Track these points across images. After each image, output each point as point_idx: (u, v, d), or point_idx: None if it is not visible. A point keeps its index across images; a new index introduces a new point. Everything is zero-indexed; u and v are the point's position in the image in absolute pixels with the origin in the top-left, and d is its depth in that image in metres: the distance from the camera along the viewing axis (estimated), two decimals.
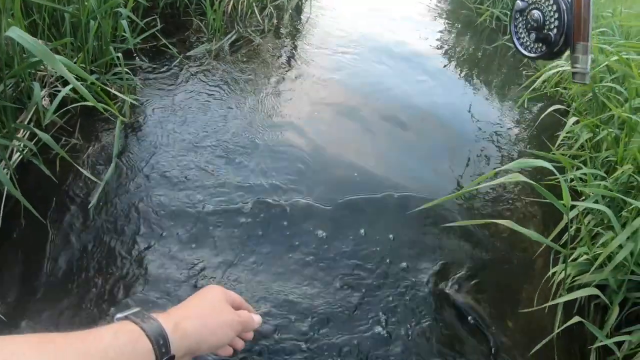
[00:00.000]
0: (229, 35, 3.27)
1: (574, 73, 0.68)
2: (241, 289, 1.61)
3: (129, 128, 2.29)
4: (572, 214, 1.82)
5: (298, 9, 4.24)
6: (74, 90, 1.98)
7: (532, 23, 0.70)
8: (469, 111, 3.32)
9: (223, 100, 2.65)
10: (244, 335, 1.04)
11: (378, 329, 1.59)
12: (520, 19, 0.75)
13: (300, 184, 2.14)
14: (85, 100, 1.66)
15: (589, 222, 1.96)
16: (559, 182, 1.51)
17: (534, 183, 1.45)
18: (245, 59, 3.14)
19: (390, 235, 1.97)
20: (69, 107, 2.12)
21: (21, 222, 1.67)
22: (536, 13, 0.69)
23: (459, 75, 4.15)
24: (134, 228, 1.76)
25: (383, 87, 3.25)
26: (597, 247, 1.83)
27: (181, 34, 3.25)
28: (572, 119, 2.15)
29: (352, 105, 2.92)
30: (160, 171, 2.05)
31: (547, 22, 0.68)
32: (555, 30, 0.67)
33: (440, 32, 5.56)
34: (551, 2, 0.67)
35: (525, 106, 3.49)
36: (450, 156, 2.66)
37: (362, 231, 1.97)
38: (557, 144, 2.37)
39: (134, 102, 2.39)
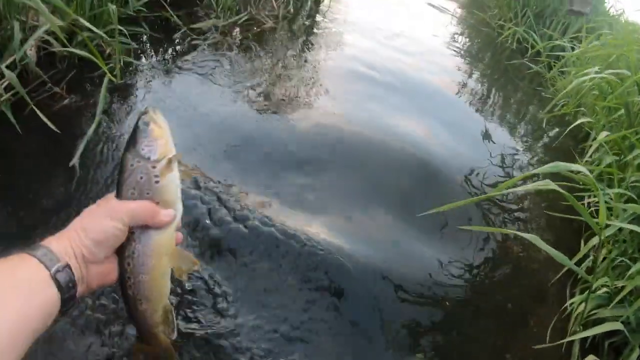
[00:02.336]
0: (240, 15, 3.07)
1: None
2: None
3: (119, 89, 2.10)
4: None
5: (317, 2, 4.05)
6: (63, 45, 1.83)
7: None
8: (487, 133, 3.12)
9: (220, 76, 2.46)
10: (152, 223, 0.88)
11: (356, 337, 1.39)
12: None
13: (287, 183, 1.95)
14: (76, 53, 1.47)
15: (610, 251, 1.75)
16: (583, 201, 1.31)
17: (567, 194, 1.24)
18: (252, 40, 2.95)
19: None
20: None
21: None
22: None
23: (478, 95, 3.95)
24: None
25: (392, 106, 2.99)
26: (619, 279, 1.62)
27: (190, 8, 3.06)
28: (604, 133, 1.93)
29: (355, 127, 2.55)
30: None
31: None
32: None
33: (461, 50, 5.39)
34: None
35: (544, 127, 3.30)
36: (467, 178, 2.45)
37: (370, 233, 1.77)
38: (585, 160, 2.17)
39: (129, 63, 2.22)
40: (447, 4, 8.31)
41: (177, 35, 2.66)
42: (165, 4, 2.75)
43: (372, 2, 5.91)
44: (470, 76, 4.36)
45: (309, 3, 3.76)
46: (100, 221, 0.82)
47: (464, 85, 4.03)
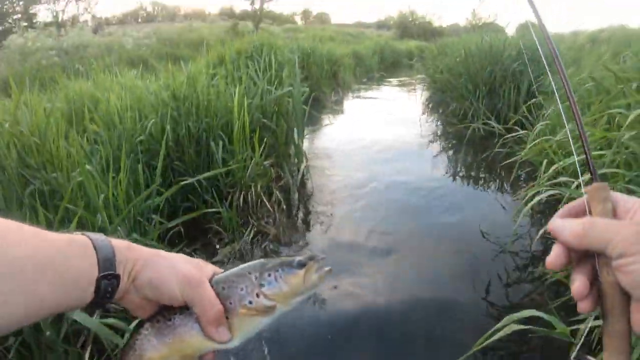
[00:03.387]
0: (246, 233, 3.61)
1: None
2: None
3: None
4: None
5: (303, 184, 4.64)
6: None
7: None
8: (480, 231, 3.54)
9: None
10: (204, 325, 0.77)
11: None
12: None
13: None
14: None
15: None
16: None
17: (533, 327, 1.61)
18: (264, 251, 3.45)
19: None
20: None
21: None
22: None
23: (461, 200, 4.46)
24: None
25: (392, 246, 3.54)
26: None
27: (204, 238, 3.60)
28: None
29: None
30: None
31: None
32: None
33: (439, 155, 5.97)
34: None
35: (532, 221, 3.67)
36: (450, 295, 2.84)
37: None
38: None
39: None
40: (412, 109, 9.09)
41: None
42: (185, 248, 3.28)
43: (346, 139, 6.61)
44: (452, 181, 4.87)
45: (297, 195, 4.32)
46: (170, 275, 0.76)
47: (449, 192, 4.55)
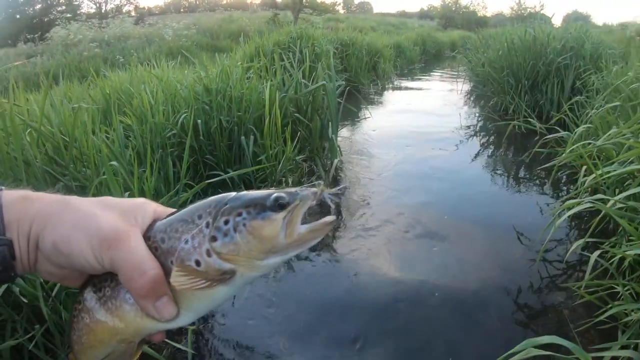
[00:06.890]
0: None
1: None
2: None
3: None
4: None
5: (335, 179, 4.54)
6: None
7: None
8: (516, 232, 3.41)
9: None
10: (138, 299, 0.53)
11: None
12: None
13: None
14: None
15: None
16: None
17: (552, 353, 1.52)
18: None
19: None
20: None
21: None
22: None
23: (499, 190, 4.36)
24: None
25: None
26: None
27: None
28: None
29: None
30: None
31: None
32: None
33: (477, 151, 5.76)
34: None
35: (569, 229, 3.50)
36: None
37: None
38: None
39: None
40: (453, 102, 8.86)
41: None
42: None
43: (383, 132, 6.42)
44: (490, 179, 4.71)
45: None
46: (78, 234, 0.52)
47: (486, 190, 4.39)
